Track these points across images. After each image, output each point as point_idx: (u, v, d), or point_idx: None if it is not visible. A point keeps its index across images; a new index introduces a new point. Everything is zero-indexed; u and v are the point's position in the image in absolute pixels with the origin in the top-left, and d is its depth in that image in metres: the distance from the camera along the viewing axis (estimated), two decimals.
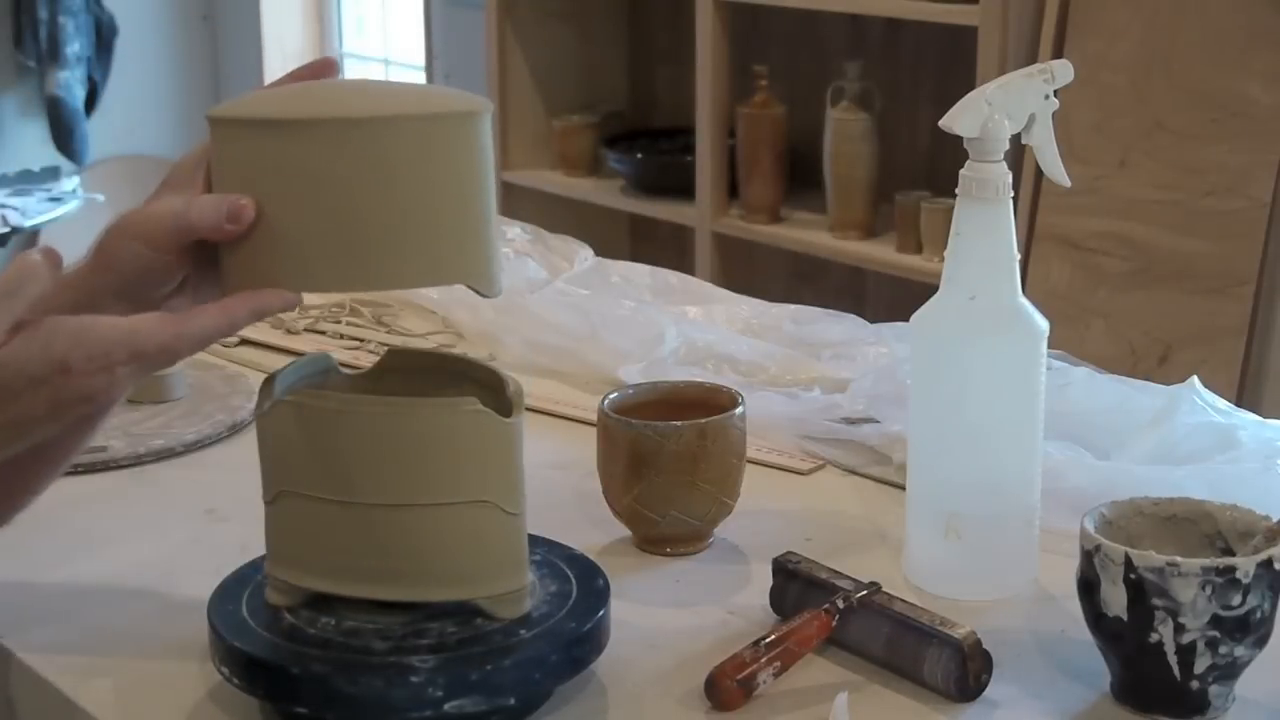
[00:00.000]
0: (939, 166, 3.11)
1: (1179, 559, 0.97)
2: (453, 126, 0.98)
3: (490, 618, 1.01)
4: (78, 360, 0.95)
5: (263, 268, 0.98)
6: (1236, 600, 0.97)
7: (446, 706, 0.95)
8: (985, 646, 1.03)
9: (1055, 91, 1.16)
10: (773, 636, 1.04)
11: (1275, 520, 1.03)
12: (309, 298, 1.83)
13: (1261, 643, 1.00)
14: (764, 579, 1.15)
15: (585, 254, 1.91)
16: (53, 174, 4.79)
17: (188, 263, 1.01)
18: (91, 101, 4.83)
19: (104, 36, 4.85)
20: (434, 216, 0.98)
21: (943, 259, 1.16)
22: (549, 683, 1.01)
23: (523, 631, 1.00)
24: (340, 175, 0.96)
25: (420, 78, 4.45)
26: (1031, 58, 2.67)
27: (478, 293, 1.01)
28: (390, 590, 1.01)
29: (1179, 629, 0.98)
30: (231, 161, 0.99)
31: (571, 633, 1.00)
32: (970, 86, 1.23)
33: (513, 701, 0.98)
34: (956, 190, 1.14)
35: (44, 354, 0.95)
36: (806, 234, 3.19)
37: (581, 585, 1.05)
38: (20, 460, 1.01)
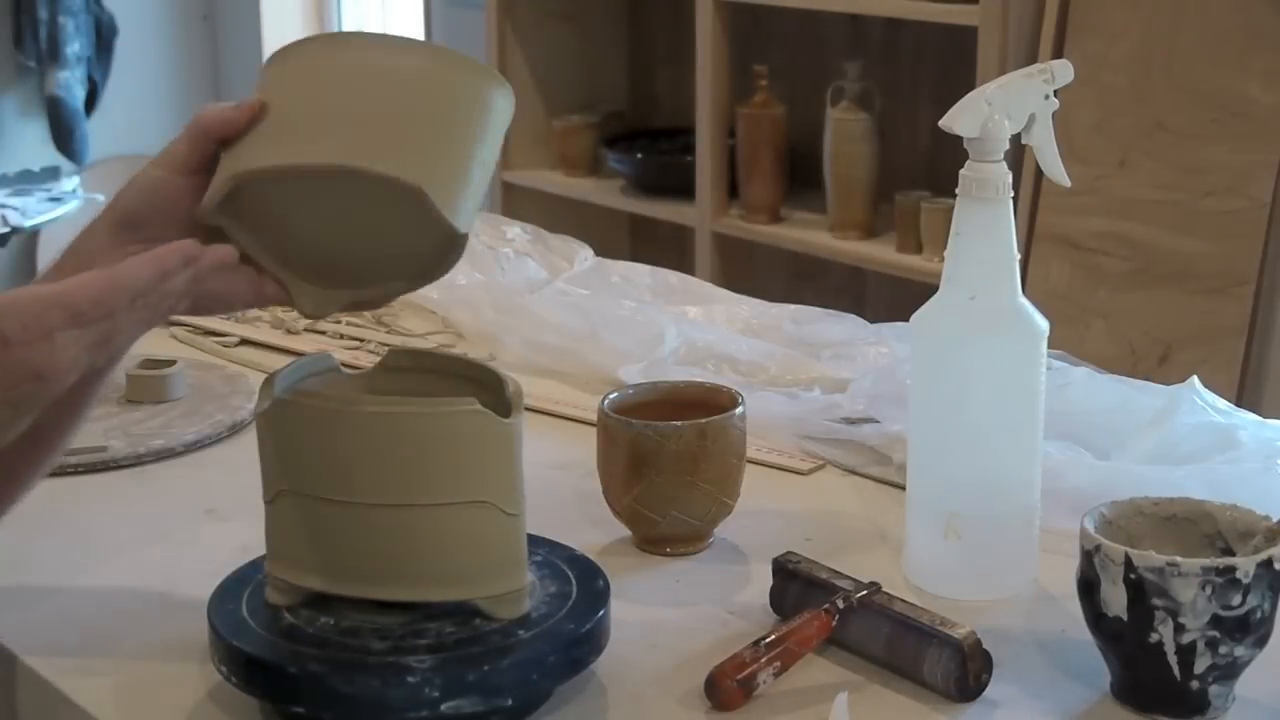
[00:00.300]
0: (939, 166, 3.11)
1: (1179, 559, 0.97)
2: (469, 74, 1.03)
3: (489, 618, 1.01)
4: (12, 329, 0.93)
5: (250, 142, 1.01)
6: (1236, 600, 0.97)
7: (443, 707, 0.95)
8: (985, 646, 1.03)
9: (1055, 91, 1.16)
10: (773, 636, 1.04)
11: (1275, 520, 1.03)
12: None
13: (1261, 643, 1.00)
14: (764, 579, 1.15)
15: (585, 254, 1.91)
16: (53, 174, 4.79)
17: (197, 190, 1.02)
18: (91, 101, 4.83)
19: (104, 36, 4.85)
20: (430, 127, 1.00)
21: (943, 259, 1.16)
22: (547, 683, 1.01)
23: (521, 632, 1.00)
24: (344, 74, 1.01)
25: None
26: (1031, 58, 2.67)
27: (444, 218, 0.99)
28: (389, 590, 1.01)
29: (1179, 629, 0.98)
30: (264, 80, 1.04)
31: (570, 634, 1.00)
32: (970, 86, 1.23)
33: (510, 702, 0.98)
34: (956, 190, 1.14)
35: None
36: (806, 234, 3.19)
37: (581, 586, 1.05)
38: (4, 455, 1.00)
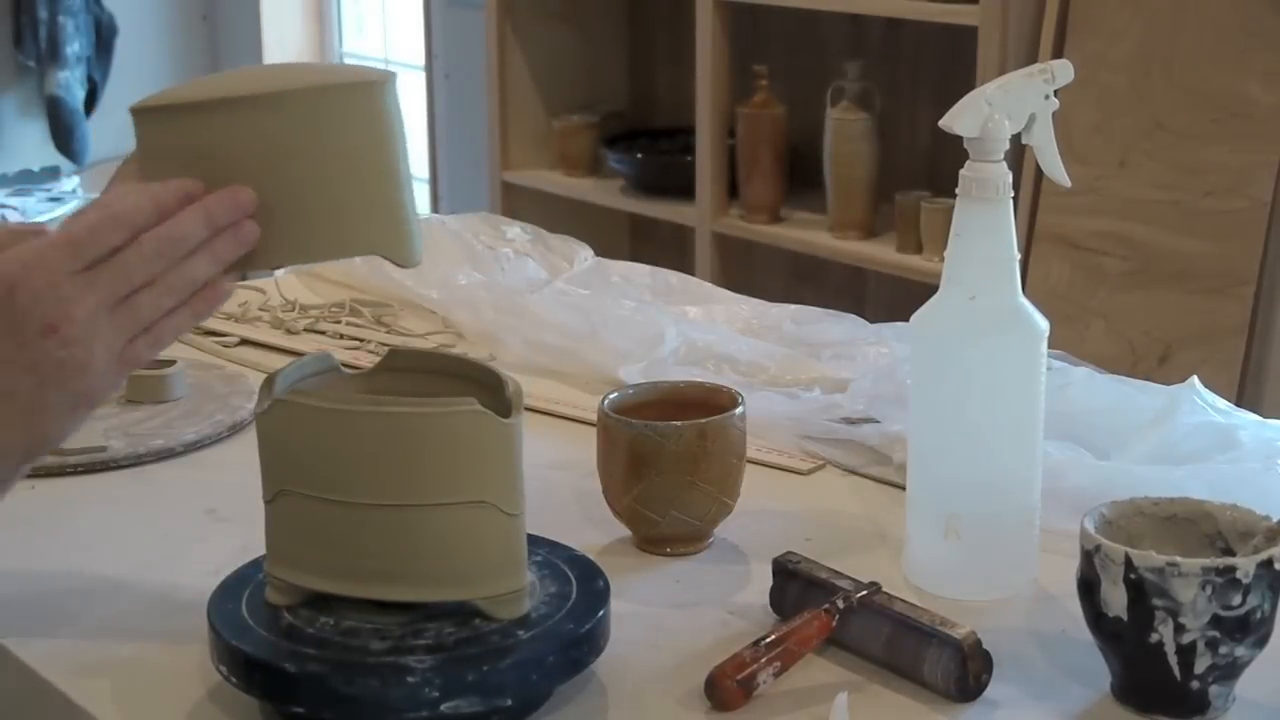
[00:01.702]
0: (939, 166, 3.11)
1: (1179, 559, 0.97)
2: (350, 97, 0.99)
3: (489, 618, 1.00)
4: (15, 270, 0.92)
5: None
6: (1236, 600, 0.97)
7: (443, 707, 0.95)
8: (985, 646, 1.03)
9: (1055, 91, 1.16)
10: (773, 636, 1.04)
11: (1275, 520, 1.03)
12: (309, 298, 1.83)
13: (1261, 643, 1.00)
14: (764, 579, 1.15)
15: (585, 254, 1.91)
16: (53, 174, 4.79)
17: None
18: (91, 101, 4.83)
19: (104, 36, 4.85)
20: (335, 189, 0.99)
21: (943, 259, 1.16)
22: (546, 684, 1.01)
23: (521, 632, 1.00)
24: (248, 152, 0.98)
25: (420, 78, 4.45)
26: (1031, 58, 2.67)
27: (393, 262, 1.01)
28: (389, 590, 1.01)
29: (1179, 629, 0.98)
30: (144, 150, 1.02)
31: (570, 634, 1.00)
32: (970, 86, 1.23)
33: (510, 702, 0.98)
34: (956, 190, 1.14)
35: None
36: (806, 234, 3.19)
37: (582, 586, 1.05)
38: None
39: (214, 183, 0.98)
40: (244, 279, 1.02)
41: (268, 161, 0.99)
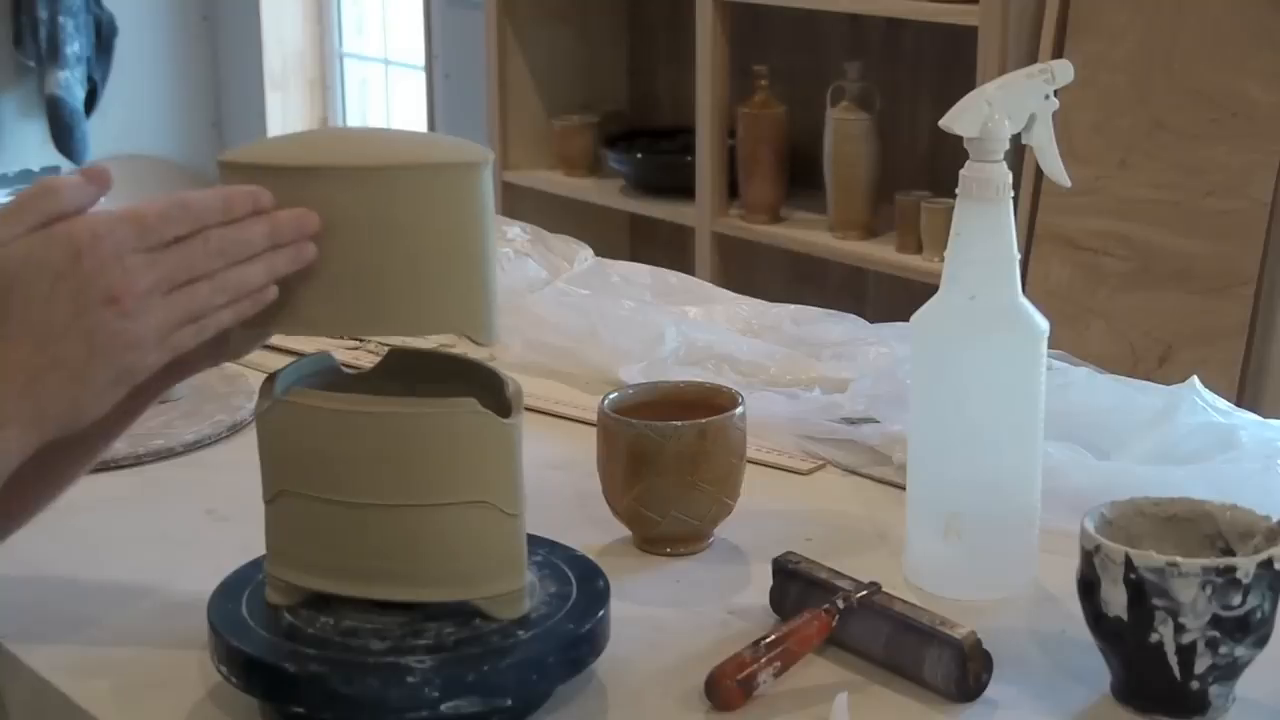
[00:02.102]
0: (939, 166, 3.11)
1: (1179, 559, 0.97)
2: (453, 177, 0.99)
3: (489, 618, 1.00)
4: (84, 237, 0.93)
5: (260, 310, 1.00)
6: (1236, 600, 0.97)
7: (443, 707, 0.95)
8: (985, 646, 1.03)
9: (1055, 91, 1.16)
10: (773, 636, 1.04)
11: (1275, 520, 1.03)
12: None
13: (1261, 643, 1.00)
14: (764, 579, 1.15)
15: (585, 254, 1.91)
16: (53, 174, 4.79)
17: None
18: (91, 101, 4.83)
19: (104, 36, 4.85)
20: (431, 267, 0.99)
21: (943, 259, 1.16)
22: (546, 684, 1.01)
23: (521, 632, 1.00)
24: (340, 222, 0.98)
25: (420, 78, 4.45)
26: (1031, 58, 2.67)
27: (470, 339, 1.02)
28: (388, 590, 1.01)
29: (1179, 629, 0.98)
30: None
31: (569, 634, 1.00)
32: (970, 86, 1.23)
33: (510, 702, 0.98)
34: (956, 190, 1.14)
35: (49, 243, 0.93)
36: (806, 234, 3.19)
37: (582, 587, 1.05)
38: (48, 456, 0.99)
39: None
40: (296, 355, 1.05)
41: (360, 234, 0.98)
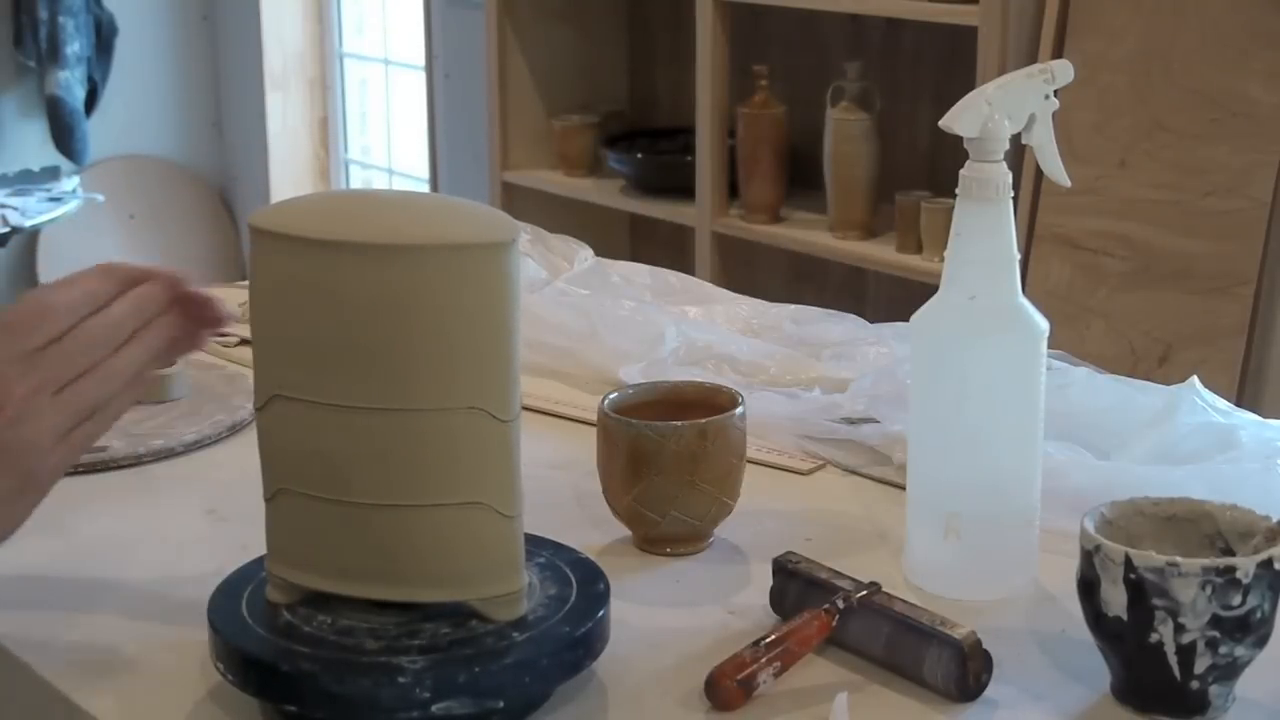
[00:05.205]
0: (939, 166, 3.11)
1: (1179, 559, 0.97)
2: (475, 257, 0.98)
3: (485, 619, 1.00)
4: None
5: (278, 374, 1.00)
6: (1236, 600, 0.97)
7: (434, 708, 0.95)
8: (985, 646, 1.03)
9: (1055, 91, 1.16)
10: (773, 636, 1.04)
11: (1275, 520, 1.03)
12: None
13: (1261, 643, 1.00)
14: (764, 579, 1.15)
15: (585, 254, 1.91)
16: (53, 174, 4.79)
17: None
18: (91, 101, 4.83)
19: (104, 36, 4.85)
20: (449, 342, 0.98)
21: (943, 259, 1.16)
22: (540, 686, 1.00)
23: (516, 634, 0.99)
24: (355, 295, 0.97)
25: (420, 78, 4.45)
26: (1031, 58, 2.67)
27: (492, 416, 0.99)
28: (385, 590, 1.01)
29: (1179, 629, 0.98)
30: (264, 271, 1.01)
31: (565, 637, 1.00)
32: (970, 86, 1.23)
33: (502, 704, 0.97)
34: (956, 190, 1.14)
35: None
36: (806, 234, 3.19)
37: (581, 589, 1.05)
38: None
39: (327, 317, 0.98)
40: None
41: (388, 309, 0.97)
